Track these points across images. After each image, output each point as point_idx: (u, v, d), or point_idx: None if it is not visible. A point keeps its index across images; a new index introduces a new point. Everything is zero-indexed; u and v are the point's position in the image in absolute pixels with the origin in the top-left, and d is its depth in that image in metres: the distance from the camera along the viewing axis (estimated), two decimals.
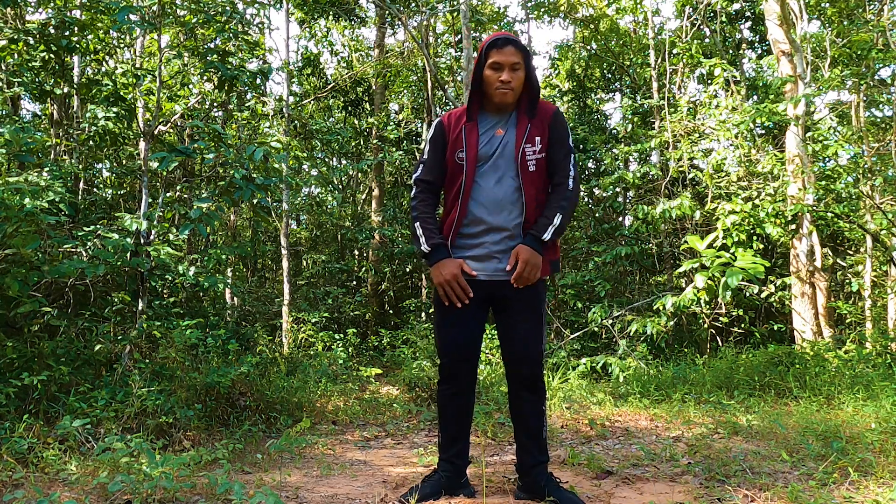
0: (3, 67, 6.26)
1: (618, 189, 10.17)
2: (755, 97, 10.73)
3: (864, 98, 10.68)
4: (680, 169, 9.20)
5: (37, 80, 6.23)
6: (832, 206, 7.89)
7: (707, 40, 11.17)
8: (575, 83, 12.29)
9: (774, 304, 8.58)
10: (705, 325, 8.37)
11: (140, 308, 5.09)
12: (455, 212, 2.51)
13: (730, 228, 7.24)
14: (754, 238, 7.54)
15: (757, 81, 10.99)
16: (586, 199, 11.50)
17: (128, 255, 4.78)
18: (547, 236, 2.48)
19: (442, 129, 2.58)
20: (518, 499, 2.64)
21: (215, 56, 5.63)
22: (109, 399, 3.83)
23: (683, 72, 10.56)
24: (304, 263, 14.72)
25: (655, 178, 9.93)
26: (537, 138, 2.52)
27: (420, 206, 2.55)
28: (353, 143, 13.96)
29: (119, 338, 4.87)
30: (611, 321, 7.61)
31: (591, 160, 11.09)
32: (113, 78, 6.82)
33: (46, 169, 5.47)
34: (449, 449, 2.68)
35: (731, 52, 11.51)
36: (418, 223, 2.53)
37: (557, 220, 2.49)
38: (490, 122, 2.56)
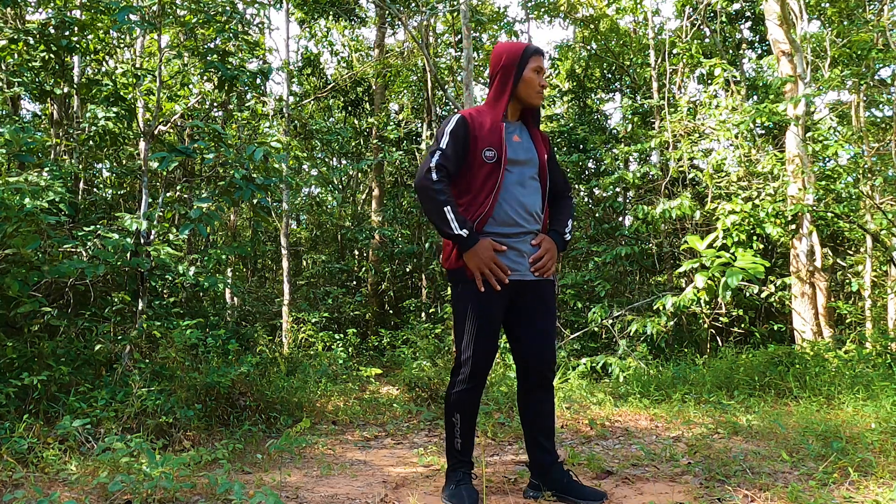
0: (3, 67, 6.26)
1: (618, 189, 10.18)
2: (755, 97, 10.73)
3: (864, 98, 10.68)
4: (680, 169, 9.20)
5: (37, 80, 6.23)
6: (832, 206, 7.89)
7: (707, 40, 11.17)
8: (575, 83, 12.30)
9: (774, 304, 8.58)
10: (705, 325, 8.38)
11: (140, 308, 5.09)
12: (484, 210, 2.51)
13: (730, 228, 7.24)
14: (754, 238, 7.54)
15: (757, 81, 10.99)
16: (586, 199, 11.50)
17: (128, 255, 4.78)
18: (568, 236, 2.68)
19: (465, 124, 2.55)
20: (527, 497, 2.66)
21: (215, 56, 5.63)
22: (109, 399, 3.83)
23: (683, 72, 10.56)
24: (304, 263, 14.72)
25: (655, 178, 9.94)
26: (545, 155, 2.68)
27: (446, 189, 2.47)
28: (353, 143, 13.96)
29: (119, 338, 4.87)
30: (611, 321, 7.61)
31: (591, 160, 11.09)
32: (113, 78, 6.82)
33: (46, 169, 5.47)
34: (470, 450, 2.66)
35: (731, 52, 11.51)
36: (447, 207, 2.44)
37: (570, 225, 2.74)
38: (509, 127, 2.63)
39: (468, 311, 2.52)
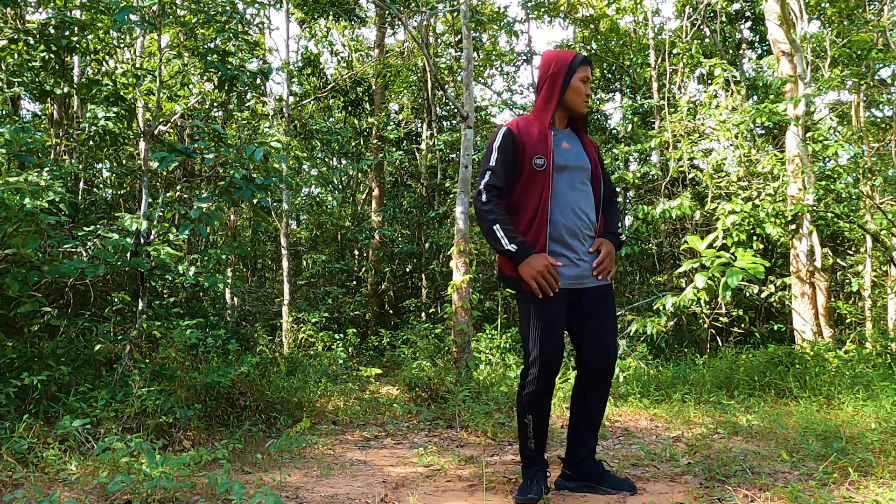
0: (3, 67, 6.26)
1: (618, 189, 10.17)
2: (755, 97, 10.73)
3: (864, 98, 10.68)
4: (680, 169, 9.20)
5: (37, 80, 6.23)
6: (832, 206, 7.89)
7: (707, 40, 11.17)
8: None
9: (774, 304, 8.58)
10: (705, 325, 8.38)
11: (140, 308, 5.09)
12: (540, 218, 2.61)
13: (730, 228, 7.24)
14: (754, 238, 7.54)
15: (757, 81, 10.98)
16: None
17: (128, 255, 4.78)
18: (623, 237, 2.79)
19: (513, 136, 2.65)
20: (559, 488, 2.77)
21: (215, 56, 5.63)
22: (109, 399, 3.83)
23: (683, 72, 10.56)
24: (304, 263, 14.72)
25: (655, 178, 9.94)
26: (595, 161, 2.77)
27: (496, 209, 2.60)
28: (353, 143, 13.95)
29: (119, 338, 4.87)
30: None
31: None
32: (113, 78, 6.82)
33: (46, 169, 5.47)
34: (543, 449, 2.72)
35: (731, 52, 11.51)
36: (497, 225, 2.58)
37: (620, 226, 2.86)
38: (557, 135, 2.71)
39: (532, 314, 2.61)
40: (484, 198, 2.62)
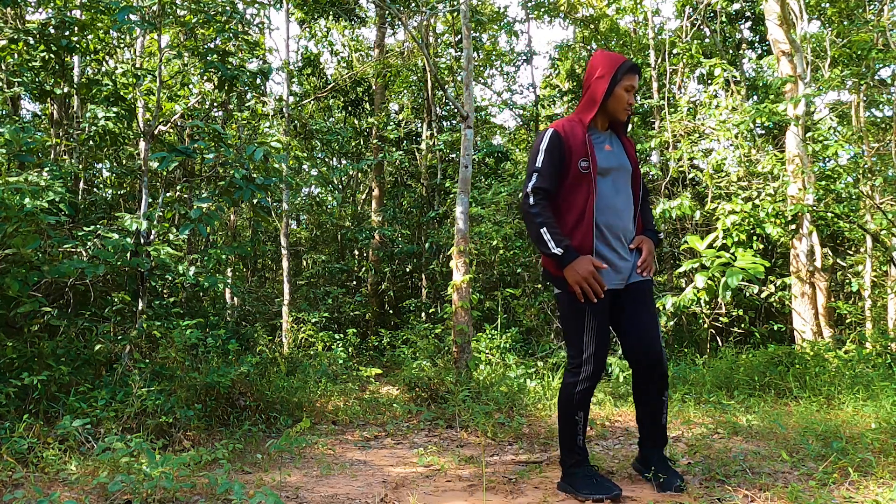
0: (3, 67, 6.26)
1: None
2: (755, 97, 10.73)
3: (864, 98, 10.68)
4: (680, 169, 9.20)
5: (37, 80, 6.23)
6: (832, 206, 7.89)
7: (707, 40, 11.17)
8: (575, 83, 12.29)
9: (774, 304, 8.57)
10: (705, 325, 8.38)
11: (140, 308, 5.09)
12: (587, 220, 2.65)
13: (730, 228, 7.24)
14: (754, 238, 7.53)
15: (757, 81, 10.98)
16: None
17: (128, 255, 4.78)
18: (661, 234, 2.75)
19: (559, 138, 2.68)
20: (635, 468, 2.91)
21: (215, 56, 5.63)
22: (109, 399, 3.83)
23: (683, 72, 10.56)
24: (304, 263, 14.72)
25: (655, 178, 9.93)
26: (634, 157, 2.84)
27: (543, 212, 2.64)
28: (353, 143, 13.95)
29: (119, 338, 4.87)
30: None
31: None
32: (113, 78, 6.82)
33: (46, 169, 5.47)
34: (585, 444, 2.76)
35: (731, 52, 11.50)
36: (544, 228, 2.62)
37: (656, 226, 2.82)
38: (599, 137, 2.76)
39: (585, 314, 2.66)
40: (531, 200, 2.65)
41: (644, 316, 2.72)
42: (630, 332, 2.72)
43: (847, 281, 11.07)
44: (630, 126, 2.89)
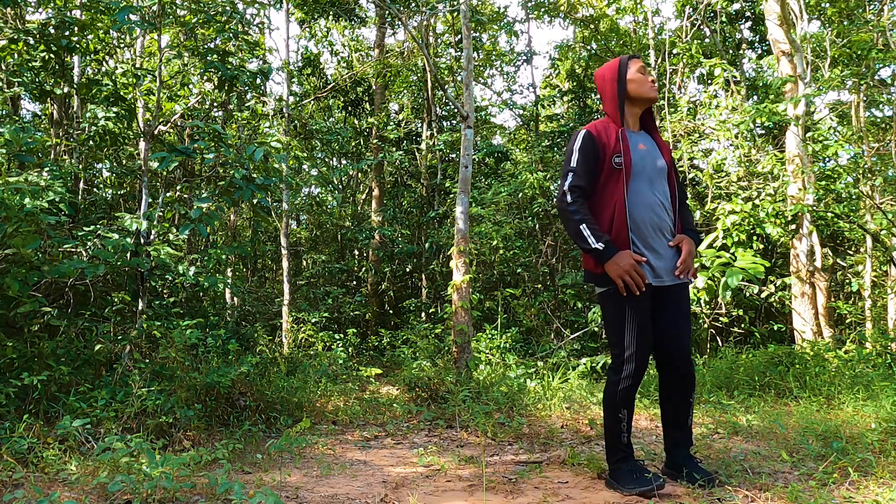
0: (3, 67, 6.25)
1: None
2: (755, 97, 10.73)
3: (864, 98, 10.68)
4: (680, 169, 9.20)
5: (37, 80, 6.23)
6: (832, 206, 7.89)
7: (707, 40, 11.17)
8: (575, 83, 12.29)
9: (774, 304, 8.57)
10: (705, 325, 8.37)
11: (140, 308, 5.09)
12: (619, 216, 2.68)
13: (730, 228, 7.24)
14: (754, 238, 7.53)
15: (757, 81, 10.98)
16: None
17: (128, 255, 4.78)
18: (702, 234, 2.75)
19: (592, 138, 2.74)
20: (666, 475, 2.88)
21: (215, 56, 5.63)
22: (109, 399, 3.83)
23: (683, 72, 10.56)
24: (304, 263, 14.72)
25: None
26: (668, 154, 2.86)
27: (581, 209, 2.68)
28: (353, 143, 13.95)
29: (119, 338, 4.87)
30: None
31: None
32: (113, 78, 6.82)
33: (46, 169, 5.47)
34: (630, 440, 2.78)
35: (731, 52, 11.50)
36: (583, 225, 2.65)
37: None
38: (632, 137, 2.79)
39: (627, 312, 2.67)
40: (569, 199, 2.69)
41: (678, 318, 2.74)
42: (663, 334, 2.74)
43: (847, 281, 11.07)
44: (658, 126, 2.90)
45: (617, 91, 2.79)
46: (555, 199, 2.78)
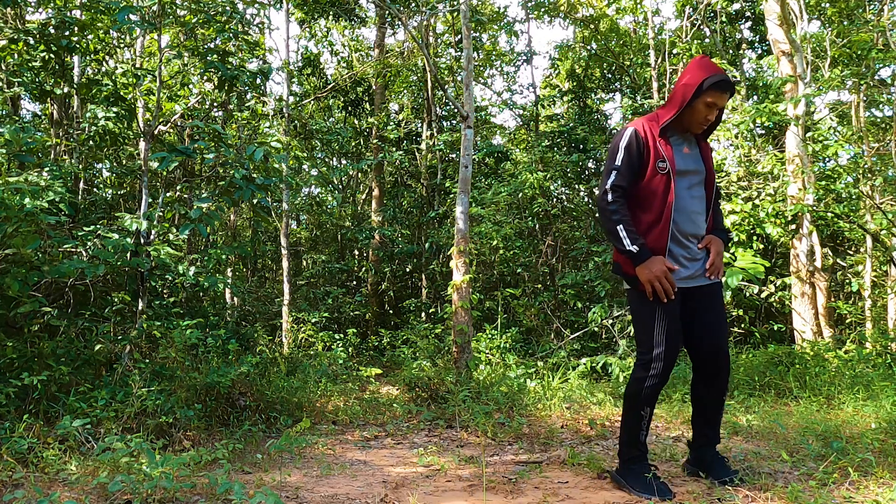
0: (3, 67, 6.25)
1: None
2: (755, 97, 10.72)
3: (864, 98, 10.67)
4: None
5: (37, 80, 6.22)
6: (832, 206, 7.89)
7: (707, 40, 11.17)
8: (575, 83, 12.29)
9: (774, 304, 8.57)
10: None
11: (140, 308, 5.09)
12: (664, 221, 2.69)
13: (730, 228, 7.24)
14: (754, 238, 7.53)
15: (757, 81, 10.97)
16: (586, 199, 11.49)
17: (128, 255, 4.78)
18: (730, 234, 2.76)
19: (638, 138, 2.72)
20: (683, 470, 2.95)
21: (215, 56, 5.63)
22: (109, 399, 3.83)
23: None
24: (304, 263, 14.72)
25: None
26: (710, 160, 2.85)
27: (620, 209, 2.68)
28: (353, 143, 13.95)
29: (119, 338, 4.87)
30: (611, 321, 7.61)
31: (591, 160, 11.08)
32: (113, 78, 6.82)
33: (46, 169, 5.47)
34: (646, 440, 2.78)
35: (731, 52, 11.50)
36: (621, 226, 2.66)
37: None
38: (677, 140, 2.79)
39: (657, 312, 2.68)
40: (610, 197, 2.69)
41: (712, 317, 2.76)
42: (698, 334, 2.76)
43: (847, 281, 11.07)
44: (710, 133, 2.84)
45: (678, 101, 2.72)
46: (596, 196, 2.76)
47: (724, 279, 4.86)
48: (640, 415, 2.73)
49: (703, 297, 2.77)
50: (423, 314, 11.09)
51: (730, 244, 7.15)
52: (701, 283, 2.76)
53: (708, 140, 2.91)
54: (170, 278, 6.07)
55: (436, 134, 12.43)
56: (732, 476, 2.73)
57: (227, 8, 5.63)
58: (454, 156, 12.69)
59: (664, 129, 2.73)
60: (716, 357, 2.75)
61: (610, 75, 12.93)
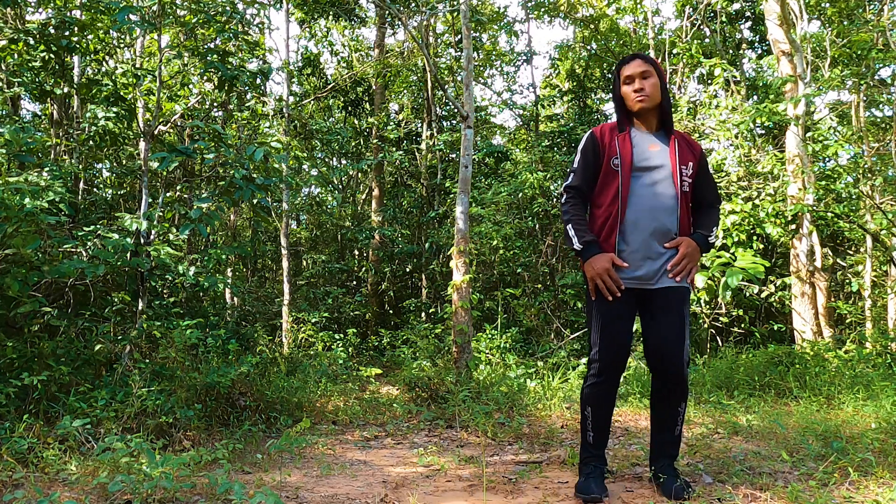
0: (3, 67, 6.25)
1: None
2: (755, 97, 10.73)
3: (864, 98, 10.67)
4: None
5: (37, 80, 6.22)
6: (832, 206, 7.89)
7: (707, 40, 11.17)
8: (575, 83, 12.29)
9: (774, 304, 8.57)
10: (705, 325, 8.37)
11: (140, 308, 5.09)
12: (613, 217, 2.65)
13: (730, 228, 7.24)
14: (754, 238, 7.53)
15: (757, 81, 10.98)
16: None
17: (128, 255, 4.78)
18: (712, 238, 2.73)
19: (594, 140, 2.75)
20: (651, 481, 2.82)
21: (215, 56, 5.62)
22: (109, 399, 3.83)
23: (683, 72, 10.56)
24: (304, 263, 14.72)
25: None
26: (690, 164, 2.74)
27: (571, 209, 2.72)
28: (353, 143, 13.95)
29: (119, 338, 4.87)
30: None
31: None
32: (113, 78, 6.82)
33: (46, 169, 5.46)
34: (602, 444, 2.75)
35: (731, 52, 11.50)
36: (570, 224, 2.69)
37: (714, 230, 2.78)
38: (642, 136, 2.75)
39: (594, 312, 2.68)
40: (563, 199, 2.76)
41: (666, 323, 2.62)
42: (650, 339, 2.67)
43: (847, 281, 11.06)
44: (672, 120, 2.83)
45: (617, 97, 2.78)
46: None
47: (725, 280, 4.86)
48: (584, 415, 2.72)
49: (662, 302, 2.64)
50: (423, 314, 11.09)
51: (731, 245, 7.16)
52: (666, 285, 2.64)
53: (694, 135, 2.93)
54: (170, 278, 6.07)
55: (436, 134, 12.43)
56: (681, 491, 2.57)
57: (227, 8, 5.63)
58: (454, 156, 12.69)
59: (620, 124, 2.75)
60: (661, 360, 2.63)
61: (610, 75, 12.93)
